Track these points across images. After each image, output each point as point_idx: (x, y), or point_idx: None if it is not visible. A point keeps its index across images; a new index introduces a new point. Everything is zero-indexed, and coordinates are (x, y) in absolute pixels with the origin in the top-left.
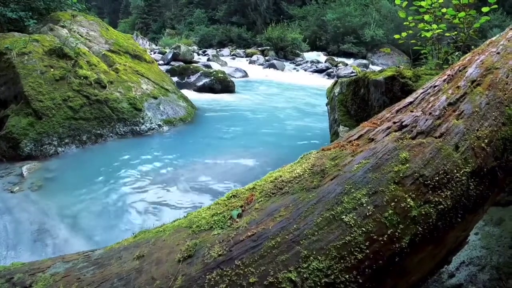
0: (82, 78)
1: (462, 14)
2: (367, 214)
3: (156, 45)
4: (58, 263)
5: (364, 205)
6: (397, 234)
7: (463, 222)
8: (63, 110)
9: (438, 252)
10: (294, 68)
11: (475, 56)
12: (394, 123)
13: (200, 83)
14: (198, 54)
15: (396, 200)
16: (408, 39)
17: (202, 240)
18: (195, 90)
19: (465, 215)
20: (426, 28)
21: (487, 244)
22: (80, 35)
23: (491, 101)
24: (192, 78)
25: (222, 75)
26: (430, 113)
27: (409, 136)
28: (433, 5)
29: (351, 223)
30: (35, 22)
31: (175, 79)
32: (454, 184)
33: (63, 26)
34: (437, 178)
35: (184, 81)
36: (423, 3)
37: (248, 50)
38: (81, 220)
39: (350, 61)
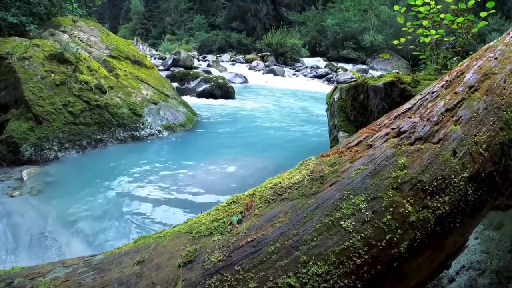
0: (82, 83)
1: (460, 19)
2: (366, 219)
3: (156, 50)
4: (58, 267)
5: (363, 210)
6: (395, 239)
7: (462, 227)
8: (63, 115)
9: (437, 256)
10: (294, 74)
11: (472, 62)
12: (393, 129)
13: (200, 89)
14: (198, 60)
15: (394, 205)
16: (407, 44)
17: (202, 246)
18: (195, 96)
19: (463, 220)
20: (424, 33)
21: (487, 248)
22: (80, 40)
23: (488, 106)
24: (192, 84)
25: (222, 81)
26: (428, 119)
27: (407, 142)
28: (431, 11)
29: (349, 228)
30: (36, 27)
31: (175, 84)
32: (452, 189)
33: (64, 31)
34: (435, 183)
35: (184, 87)
36: (421, 9)
37: (248, 56)
38: (80, 225)
39: (349, 67)
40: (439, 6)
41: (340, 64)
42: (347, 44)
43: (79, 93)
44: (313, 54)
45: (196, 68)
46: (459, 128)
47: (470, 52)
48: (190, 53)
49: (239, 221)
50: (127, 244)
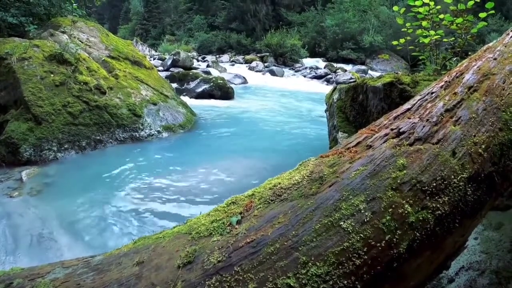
0: (82, 84)
1: (459, 20)
2: (365, 220)
3: (156, 51)
4: (58, 268)
5: (362, 211)
6: (395, 240)
7: (461, 227)
8: (62, 116)
9: (436, 257)
10: (293, 74)
11: (472, 62)
12: (392, 129)
13: (199, 90)
14: (198, 61)
15: (393, 206)
16: (407, 45)
17: (201, 247)
18: (194, 97)
19: (463, 220)
20: (424, 34)
21: (486, 248)
22: (80, 41)
23: (488, 107)
24: (192, 85)
25: (221, 82)
26: (427, 120)
27: (407, 142)
28: (430, 12)
29: (349, 229)
30: (35, 27)
31: (174, 85)
32: (452, 190)
33: (63, 32)
34: (435, 184)
35: (183, 87)
36: (421, 10)
37: (247, 57)
38: (80, 225)
39: (349, 67)
40: (438, 7)
41: (339, 65)
42: (347, 45)
43: (78, 93)
44: (313, 54)
45: (196, 68)
46: (459, 129)
47: (470, 53)
48: (189, 54)
49: (238, 222)
50: (126, 245)
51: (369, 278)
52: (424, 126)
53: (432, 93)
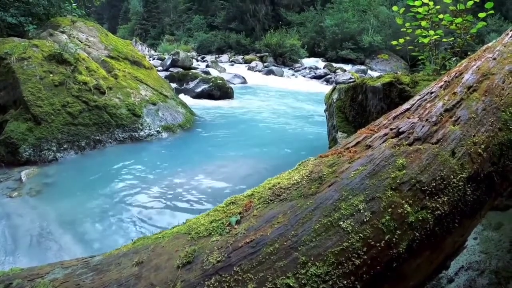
0: (81, 83)
1: (459, 20)
2: (365, 220)
3: (155, 51)
4: (57, 269)
5: (362, 211)
6: (394, 239)
7: (461, 227)
8: (62, 116)
9: (436, 257)
10: (293, 75)
11: (471, 62)
12: (391, 129)
13: (199, 90)
14: (197, 60)
15: (393, 206)
16: (406, 45)
17: (201, 247)
18: (193, 97)
19: (462, 220)
20: (423, 34)
21: (486, 248)
22: (79, 40)
23: (487, 106)
24: (191, 84)
25: (221, 82)
26: (426, 120)
27: (406, 142)
28: (430, 12)
29: (348, 229)
30: (34, 27)
31: (174, 85)
32: (451, 190)
33: (62, 32)
34: (434, 184)
35: (183, 87)
36: (420, 10)
37: (247, 57)
38: (79, 226)
39: (348, 67)
40: (437, 7)
41: (338, 65)
42: (346, 45)
43: (78, 93)
44: (312, 54)
45: (195, 68)
46: (458, 129)
47: (469, 53)
48: (189, 54)
49: (237, 222)
50: (126, 245)
51: (368, 278)
52: (423, 126)
53: (431, 93)
